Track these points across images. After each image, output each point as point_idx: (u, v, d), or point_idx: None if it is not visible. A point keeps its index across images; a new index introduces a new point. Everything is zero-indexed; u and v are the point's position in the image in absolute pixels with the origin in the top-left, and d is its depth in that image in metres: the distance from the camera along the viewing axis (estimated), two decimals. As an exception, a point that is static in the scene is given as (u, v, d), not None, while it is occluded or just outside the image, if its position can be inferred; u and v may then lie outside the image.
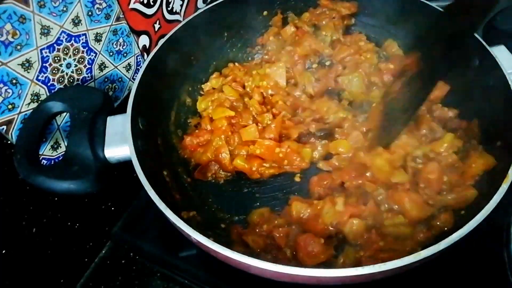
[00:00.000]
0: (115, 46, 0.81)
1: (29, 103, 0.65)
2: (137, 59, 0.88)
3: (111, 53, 0.80)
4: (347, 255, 0.65)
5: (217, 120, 0.85)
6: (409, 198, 0.69)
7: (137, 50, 0.87)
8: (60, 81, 0.71)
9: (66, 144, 0.72)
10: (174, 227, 0.58)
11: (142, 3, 0.83)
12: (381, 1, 0.97)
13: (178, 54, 0.87)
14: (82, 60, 0.74)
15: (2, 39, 0.58)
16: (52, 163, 0.72)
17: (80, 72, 0.74)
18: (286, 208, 0.75)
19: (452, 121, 0.81)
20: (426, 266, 0.55)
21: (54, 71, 0.69)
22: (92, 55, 0.76)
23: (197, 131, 0.87)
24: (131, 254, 0.83)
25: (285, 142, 0.82)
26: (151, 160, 0.70)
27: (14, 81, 0.62)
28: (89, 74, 0.77)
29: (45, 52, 0.66)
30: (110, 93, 0.84)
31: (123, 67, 0.85)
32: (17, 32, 0.60)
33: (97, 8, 0.73)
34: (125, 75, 0.86)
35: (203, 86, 0.96)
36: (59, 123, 0.72)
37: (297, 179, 0.81)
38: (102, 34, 0.76)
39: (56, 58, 0.68)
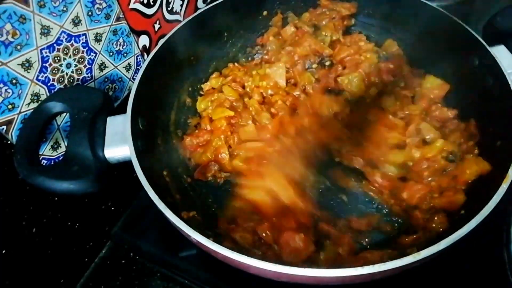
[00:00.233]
0: (115, 46, 0.81)
1: (29, 103, 0.66)
2: (137, 59, 0.88)
3: (111, 53, 0.80)
4: (327, 251, 0.67)
5: (216, 120, 0.85)
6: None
7: (137, 50, 0.87)
8: (60, 81, 0.71)
9: (66, 144, 0.72)
10: (174, 227, 0.58)
11: (142, 3, 0.83)
12: (381, 1, 0.97)
13: (178, 54, 0.87)
14: (82, 60, 0.74)
15: (2, 39, 0.58)
16: (52, 163, 0.72)
17: (80, 72, 0.74)
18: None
19: (451, 121, 0.81)
20: (426, 266, 0.55)
21: (54, 71, 0.69)
22: (92, 55, 0.76)
23: (197, 131, 0.87)
24: (131, 254, 0.83)
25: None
26: (151, 160, 0.70)
27: (14, 81, 0.62)
28: (89, 74, 0.77)
29: (45, 52, 0.66)
30: (110, 93, 0.84)
31: (123, 67, 0.85)
32: (17, 32, 0.60)
33: (97, 8, 0.73)
34: (125, 75, 0.86)
35: (202, 86, 0.96)
36: (59, 123, 0.72)
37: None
38: (102, 34, 0.76)
39: (56, 58, 0.68)
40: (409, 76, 0.90)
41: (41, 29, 0.64)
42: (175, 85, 0.89)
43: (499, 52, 0.75)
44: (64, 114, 0.71)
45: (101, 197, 0.85)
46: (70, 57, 0.71)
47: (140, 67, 0.84)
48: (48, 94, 0.68)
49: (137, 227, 0.86)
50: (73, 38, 0.70)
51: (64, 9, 0.67)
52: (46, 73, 0.67)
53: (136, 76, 0.76)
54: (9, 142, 0.63)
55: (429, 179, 0.74)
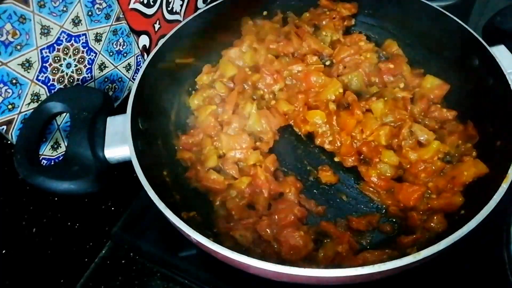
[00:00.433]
0: (115, 46, 0.81)
1: (29, 103, 0.66)
2: (137, 59, 0.88)
3: (111, 53, 0.80)
4: (327, 249, 0.67)
5: (204, 118, 0.85)
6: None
7: (137, 50, 0.87)
8: (60, 81, 0.71)
9: (66, 144, 0.72)
10: (174, 227, 0.58)
11: (142, 3, 0.83)
12: (381, 1, 0.97)
13: (178, 54, 0.87)
14: (82, 60, 0.74)
15: (2, 39, 0.58)
16: (52, 163, 0.72)
17: (80, 72, 0.74)
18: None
19: (450, 123, 0.81)
20: (426, 266, 0.55)
21: (54, 71, 0.69)
22: (92, 55, 0.76)
23: (192, 130, 0.86)
24: (131, 254, 0.83)
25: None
26: (151, 160, 0.70)
27: (14, 81, 0.62)
28: (89, 74, 0.77)
29: (45, 52, 0.66)
30: (110, 93, 0.84)
31: (123, 67, 0.85)
32: (17, 32, 0.60)
33: (97, 8, 0.73)
34: (125, 75, 0.86)
35: (196, 80, 0.94)
36: (59, 123, 0.72)
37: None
38: (102, 34, 0.76)
39: (56, 58, 0.68)
40: (409, 76, 0.90)
41: (41, 29, 0.64)
42: (175, 85, 0.89)
43: (499, 52, 0.75)
44: (64, 114, 0.71)
45: (101, 197, 0.85)
46: (70, 57, 0.71)
47: (140, 67, 0.84)
48: (48, 94, 0.68)
49: (137, 227, 0.86)
50: (73, 38, 0.70)
51: (64, 9, 0.67)
52: (46, 73, 0.67)
53: (136, 76, 0.76)
54: (9, 142, 0.63)
55: (426, 180, 0.74)
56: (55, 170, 0.64)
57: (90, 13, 0.72)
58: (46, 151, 0.71)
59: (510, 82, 0.69)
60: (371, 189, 0.78)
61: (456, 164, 0.74)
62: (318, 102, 0.87)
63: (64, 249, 0.77)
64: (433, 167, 0.74)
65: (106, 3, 0.75)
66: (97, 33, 0.75)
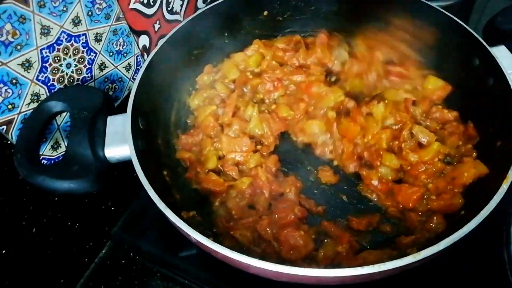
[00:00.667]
0: (115, 46, 0.81)
1: (29, 103, 0.66)
2: (137, 59, 0.88)
3: (111, 53, 0.80)
4: (327, 249, 0.67)
5: (204, 118, 0.85)
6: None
7: (137, 50, 0.87)
8: (60, 81, 0.71)
9: (66, 144, 0.72)
10: (174, 227, 0.58)
11: (142, 3, 0.83)
12: (381, 2, 0.97)
13: (178, 54, 0.87)
14: (82, 60, 0.74)
15: (2, 39, 0.58)
16: (52, 163, 0.72)
17: (80, 72, 0.74)
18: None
19: (451, 124, 0.81)
20: (426, 266, 0.55)
21: (54, 71, 0.69)
22: (92, 55, 0.76)
23: (191, 130, 0.86)
24: (131, 254, 0.83)
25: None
26: (151, 160, 0.70)
27: (14, 81, 0.62)
28: (89, 74, 0.77)
29: (45, 52, 0.66)
30: (110, 93, 0.84)
31: (123, 67, 0.85)
32: (17, 32, 0.60)
33: (97, 8, 0.73)
34: (125, 75, 0.86)
35: (197, 79, 0.94)
36: (59, 123, 0.72)
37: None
38: (102, 34, 0.76)
39: (56, 58, 0.68)
40: (411, 78, 0.90)
41: (41, 29, 0.64)
42: (175, 85, 0.89)
43: (499, 52, 0.75)
44: (64, 114, 0.71)
45: (101, 197, 0.85)
46: (70, 57, 0.71)
47: (140, 67, 0.84)
48: (48, 94, 0.68)
49: (137, 227, 0.86)
50: (73, 38, 0.70)
51: (64, 9, 0.67)
52: (46, 73, 0.67)
53: (136, 76, 0.76)
54: (9, 142, 0.63)
55: (426, 181, 0.74)
56: (55, 170, 0.64)
57: (90, 13, 0.72)
58: (46, 151, 0.71)
59: (510, 83, 0.69)
60: (369, 190, 0.77)
61: (456, 165, 0.74)
62: (318, 109, 0.86)
63: (64, 249, 0.77)
64: (433, 169, 0.74)
65: (106, 3, 0.75)
66: (97, 33, 0.75)
